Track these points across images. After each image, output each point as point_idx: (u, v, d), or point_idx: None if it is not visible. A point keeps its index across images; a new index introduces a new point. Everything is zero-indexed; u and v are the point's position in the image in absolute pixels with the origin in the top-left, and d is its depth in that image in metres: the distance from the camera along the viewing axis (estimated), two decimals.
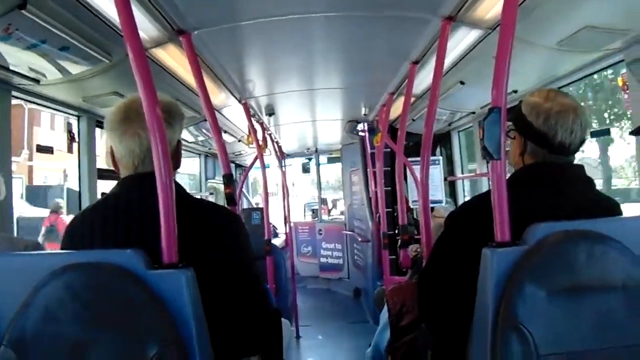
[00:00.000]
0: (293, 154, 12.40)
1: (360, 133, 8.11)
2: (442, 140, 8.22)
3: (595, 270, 1.80)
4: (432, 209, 5.73)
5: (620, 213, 2.22)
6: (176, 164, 2.23)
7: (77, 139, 4.80)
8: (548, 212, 1.96)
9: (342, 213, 13.22)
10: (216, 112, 5.56)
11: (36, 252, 2.28)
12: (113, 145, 2.14)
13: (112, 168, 2.23)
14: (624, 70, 3.88)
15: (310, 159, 12.83)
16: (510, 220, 1.90)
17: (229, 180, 3.50)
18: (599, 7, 3.03)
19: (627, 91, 3.86)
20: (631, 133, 2.80)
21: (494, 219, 1.90)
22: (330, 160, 12.90)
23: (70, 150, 4.78)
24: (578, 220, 1.89)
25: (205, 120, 4.30)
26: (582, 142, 2.20)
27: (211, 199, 9.78)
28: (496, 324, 1.77)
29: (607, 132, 4.48)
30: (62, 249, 2.09)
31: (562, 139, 2.14)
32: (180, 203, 1.89)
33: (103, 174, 4.91)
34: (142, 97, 1.85)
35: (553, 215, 1.92)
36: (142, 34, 3.04)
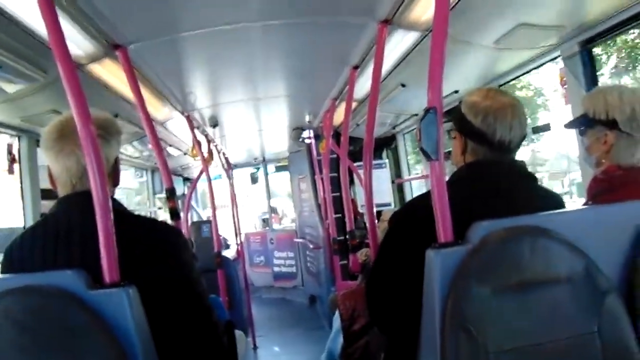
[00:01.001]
0: (241, 164, 12.34)
1: (307, 140, 8.11)
2: (389, 143, 8.28)
3: (539, 264, 1.81)
4: (381, 212, 5.78)
5: (563, 206, 2.25)
6: (115, 181, 2.20)
7: (17, 160, 4.70)
8: (490, 210, 1.96)
9: (293, 221, 13.20)
10: (159, 126, 5.53)
11: None
12: (50, 164, 2.11)
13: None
14: (562, 65, 3.96)
15: (258, 169, 12.79)
16: (453, 220, 1.90)
17: (171, 194, 3.47)
18: (532, 5, 3.09)
19: (565, 86, 3.95)
20: (565, 126, 2.86)
21: (435, 219, 1.91)
22: (279, 169, 12.86)
23: (11, 171, 4.68)
24: (520, 217, 1.90)
25: None
26: (522, 138, 2.23)
27: (160, 213, 9.69)
28: (444, 324, 1.77)
29: (547, 127, 4.55)
30: (1, 273, 2.04)
31: (501, 136, 2.16)
32: (119, 220, 1.86)
33: (47, 194, 4.81)
34: (74, 114, 1.82)
35: (495, 213, 1.92)
36: (77, 50, 3.03)
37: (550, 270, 1.82)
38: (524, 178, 2.23)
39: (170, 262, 2.07)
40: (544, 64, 4.36)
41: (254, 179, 13.01)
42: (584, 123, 2.62)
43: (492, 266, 1.79)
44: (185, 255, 2.18)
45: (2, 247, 2.12)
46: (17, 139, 4.70)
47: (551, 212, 2.04)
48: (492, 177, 2.17)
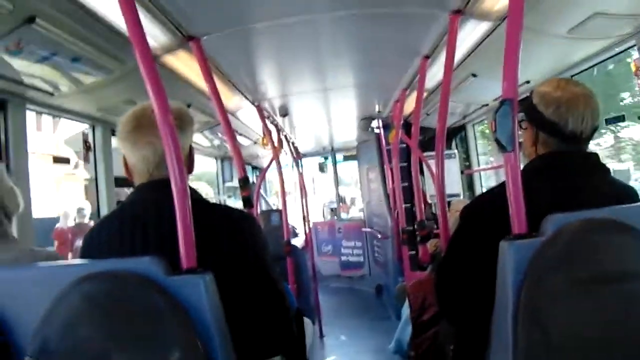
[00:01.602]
0: (309, 154, 12.40)
1: (376, 130, 8.08)
2: (458, 133, 8.20)
3: (614, 258, 1.78)
4: (450, 202, 5.73)
5: (638, 200, 2.20)
6: (190, 169, 2.24)
7: (92, 148, 4.84)
8: (563, 202, 1.94)
9: (360, 210, 13.20)
10: (230, 116, 5.58)
11: (56, 262, 2.29)
12: (126, 153, 2.16)
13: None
14: (636, 56, 3.85)
15: (326, 158, 12.83)
16: (528, 211, 1.88)
17: (244, 183, 3.51)
18: None
19: None
20: None
21: (509, 210, 1.89)
22: (347, 159, 12.88)
23: (86, 159, 4.81)
24: (595, 209, 1.86)
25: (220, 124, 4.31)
26: (594, 130, 2.19)
27: (229, 201, 9.81)
28: (516, 316, 1.76)
29: (622, 118, 4.43)
30: (80, 258, 2.11)
31: (573, 127, 2.13)
32: (196, 208, 1.90)
33: (121, 182, 4.93)
34: (154, 104, 1.86)
35: (569, 205, 1.89)
36: (151, 42, 3.07)
37: (625, 264, 1.79)
38: (597, 170, 2.19)
39: (246, 248, 2.11)
40: (618, 53, 4.24)
41: (322, 169, 13.07)
42: None
43: (566, 259, 1.76)
44: (260, 241, 2.22)
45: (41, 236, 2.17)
46: (92, 128, 4.84)
47: (626, 205, 1.99)
48: (564, 169, 2.14)
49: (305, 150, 11.56)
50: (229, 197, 9.79)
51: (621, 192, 2.16)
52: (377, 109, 6.95)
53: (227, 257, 2.03)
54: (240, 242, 2.10)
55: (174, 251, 1.83)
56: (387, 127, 7.68)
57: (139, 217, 2.05)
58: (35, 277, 1.90)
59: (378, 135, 8.46)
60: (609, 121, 4.71)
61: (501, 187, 1.99)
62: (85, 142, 4.77)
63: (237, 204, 9.22)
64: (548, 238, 1.80)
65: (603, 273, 1.76)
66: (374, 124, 7.85)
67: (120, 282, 1.77)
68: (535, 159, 2.24)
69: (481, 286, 2.03)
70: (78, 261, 2.09)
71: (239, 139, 7.49)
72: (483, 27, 3.58)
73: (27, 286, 1.86)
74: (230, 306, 1.91)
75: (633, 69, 3.93)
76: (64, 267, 2.07)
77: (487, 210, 2.19)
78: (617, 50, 4.13)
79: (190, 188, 1.97)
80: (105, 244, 2.07)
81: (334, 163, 12.66)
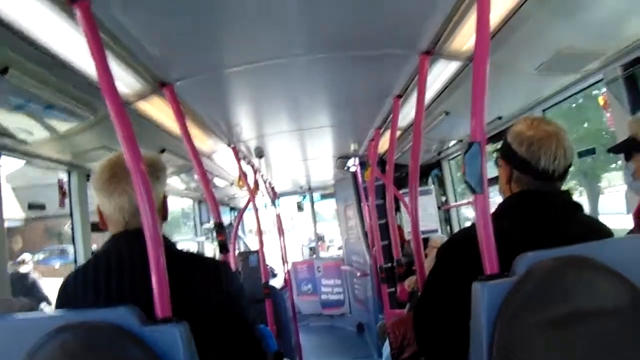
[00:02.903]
0: (287, 193, 12.42)
1: (352, 169, 8.13)
2: (434, 169, 8.26)
3: (585, 295, 1.80)
4: (427, 238, 5.75)
5: (610, 235, 2.22)
6: (164, 217, 2.25)
7: (68, 194, 4.81)
8: (536, 241, 1.96)
9: (339, 248, 13.20)
10: (206, 158, 5.61)
11: (32, 313, 2.27)
12: (101, 203, 2.16)
13: None
14: (604, 90, 3.92)
15: (304, 197, 12.85)
16: (500, 251, 1.91)
17: (220, 228, 3.52)
18: (572, 31, 3.08)
19: (609, 109, 3.91)
20: (609, 150, 2.83)
21: (480, 252, 1.91)
22: (324, 197, 12.93)
23: (62, 204, 4.79)
24: (566, 247, 1.89)
25: None
26: (567, 167, 2.22)
27: (207, 243, 9.78)
28: (491, 355, 1.77)
29: (592, 151, 4.50)
30: (56, 308, 2.10)
31: (545, 165, 2.16)
32: (170, 257, 1.90)
33: (97, 228, 4.89)
34: (125, 153, 1.87)
35: (542, 243, 1.92)
36: (124, 89, 3.11)
37: (597, 301, 1.80)
38: (570, 207, 2.22)
39: (219, 296, 2.11)
40: (587, 87, 4.31)
41: (300, 208, 13.08)
42: (630, 147, 2.59)
43: (538, 298, 1.78)
44: (234, 288, 2.22)
45: None
46: (67, 174, 4.82)
47: (597, 241, 2.01)
48: (538, 208, 2.17)
49: (283, 190, 11.58)
50: (207, 238, 9.75)
51: (593, 229, 2.19)
52: (352, 148, 6.99)
53: (201, 306, 2.03)
54: (214, 290, 2.11)
55: (149, 301, 1.83)
56: (363, 165, 7.71)
57: (114, 267, 2.05)
58: (11, 328, 1.89)
59: (354, 173, 8.51)
60: (581, 154, 4.77)
61: (474, 226, 2.01)
62: (61, 187, 4.75)
63: (214, 245, 9.20)
64: (519, 277, 1.82)
65: (575, 311, 1.77)
66: (350, 162, 7.90)
67: (96, 333, 1.77)
68: (508, 198, 2.28)
69: (457, 325, 2.04)
70: (53, 312, 2.08)
71: (216, 180, 7.50)
72: (453, 66, 3.63)
73: (2, 337, 1.84)
74: (207, 355, 1.91)
75: (601, 102, 4.00)
76: (39, 318, 2.06)
77: (461, 250, 2.21)
78: (586, 84, 4.20)
79: (164, 237, 1.97)
80: (81, 293, 2.07)
81: (312, 202, 12.67)
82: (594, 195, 11.18)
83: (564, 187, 2.27)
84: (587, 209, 2.56)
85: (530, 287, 1.80)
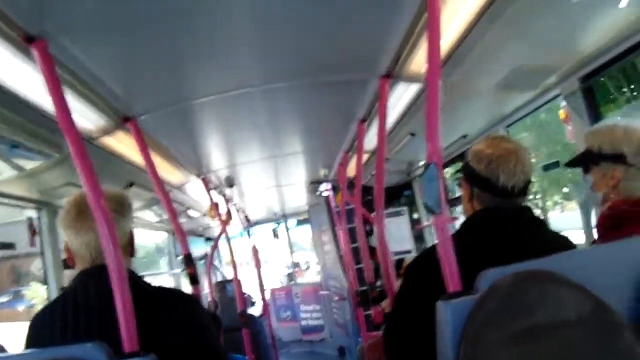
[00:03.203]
0: (261, 221, 12.39)
1: (324, 193, 8.15)
2: (406, 189, 8.31)
3: (548, 308, 1.81)
4: (402, 260, 5.78)
5: (573, 248, 2.26)
6: (131, 252, 2.26)
7: (38, 232, 4.79)
8: (499, 257, 1.98)
9: (317, 273, 13.18)
10: (176, 190, 5.60)
11: (1, 354, 2.27)
12: (69, 240, 2.17)
13: None
14: (564, 103, 3.99)
15: (279, 224, 12.83)
16: (465, 269, 1.93)
17: (188, 260, 3.51)
18: (526, 48, 3.16)
19: (570, 123, 3.97)
20: (566, 165, 2.86)
21: (442, 270, 1.93)
22: (300, 223, 12.90)
23: (32, 244, 4.76)
24: (527, 261, 1.91)
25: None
26: (527, 183, 2.25)
27: (183, 275, 9.72)
28: None
29: (556, 164, 4.57)
30: (26, 346, 2.10)
31: (504, 182, 2.19)
32: (136, 291, 1.91)
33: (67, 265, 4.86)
34: (86, 190, 1.88)
35: (504, 259, 1.93)
36: (88, 125, 3.12)
37: (560, 313, 1.81)
38: (531, 223, 2.25)
39: (187, 328, 2.11)
40: (547, 102, 4.39)
41: (276, 235, 13.06)
42: (588, 160, 2.63)
43: (501, 313, 1.79)
44: (202, 320, 2.23)
45: None
46: (36, 211, 4.80)
47: (558, 254, 2.04)
48: (499, 224, 2.20)
49: (257, 218, 11.55)
50: (183, 270, 9.68)
51: (556, 242, 2.22)
52: (323, 173, 7.02)
53: (169, 339, 2.04)
54: (182, 324, 2.11)
55: (116, 336, 1.84)
56: (335, 189, 7.74)
57: (82, 304, 2.05)
58: None
59: (327, 198, 8.52)
60: (545, 167, 4.84)
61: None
62: (31, 226, 4.73)
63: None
64: (482, 294, 1.84)
65: (538, 324, 1.78)
66: (322, 187, 7.92)
67: None
68: (470, 216, 2.31)
69: (425, 343, 2.05)
70: (21, 352, 2.07)
71: (189, 211, 7.48)
72: (413, 88, 3.68)
73: None
74: None
75: (562, 116, 4.07)
76: (8, 358, 2.05)
77: (426, 267, 2.22)
78: (546, 98, 4.28)
79: (130, 271, 1.98)
80: (49, 331, 2.07)
81: (287, 228, 12.65)
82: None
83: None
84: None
85: (493, 304, 1.81)
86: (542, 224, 2.29)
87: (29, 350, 2.03)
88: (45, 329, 2.09)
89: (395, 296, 2.44)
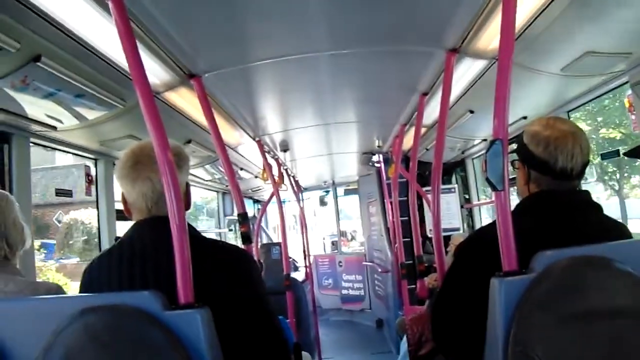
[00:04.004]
0: (310, 188, 12.44)
1: (376, 164, 8.11)
2: (458, 167, 8.25)
3: (603, 295, 1.80)
4: (450, 237, 5.75)
5: (629, 236, 2.22)
6: (187, 205, 2.28)
7: (95, 182, 4.90)
8: (554, 240, 1.97)
9: (361, 244, 13.20)
10: (231, 150, 5.65)
11: (56, 295, 2.33)
12: (125, 190, 2.20)
13: None
14: (629, 92, 3.90)
15: (327, 192, 12.86)
16: (518, 249, 1.92)
17: (243, 219, 3.54)
18: (599, 33, 3.08)
19: (634, 112, 3.89)
20: (625, 154, 2.79)
21: (500, 248, 1.93)
22: (348, 192, 12.91)
23: (88, 192, 4.87)
24: (584, 246, 1.90)
25: None
26: (585, 166, 2.22)
27: (230, 235, 9.83)
28: (507, 352, 1.79)
29: (617, 153, 4.47)
30: (80, 292, 2.14)
31: (563, 164, 2.17)
32: (193, 244, 1.94)
33: (122, 215, 4.96)
34: (153, 141, 1.91)
35: (559, 243, 1.93)
36: (154, 79, 3.16)
37: (614, 301, 1.80)
38: (588, 207, 2.22)
39: (241, 283, 2.13)
40: (612, 89, 4.31)
41: (323, 202, 13.08)
42: None
43: (555, 295, 1.79)
44: (255, 276, 2.25)
45: None
46: (94, 162, 4.90)
47: (616, 242, 2.02)
48: (556, 207, 2.18)
49: (307, 184, 11.59)
50: (230, 230, 9.80)
51: (611, 229, 2.20)
52: (377, 144, 6.99)
53: (223, 293, 2.06)
54: (236, 278, 2.13)
55: (171, 287, 1.87)
56: (387, 161, 7.70)
57: (138, 254, 2.08)
58: (37, 310, 1.93)
59: (378, 169, 8.50)
60: (604, 156, 4.75)
61: (493, 225, 2.03)
62: (88, 175, 4.83)
63: (238, 236, 9.24)
64: (537, 275, 1.83)
65: (592, 310, 1.78)
66: (375, 158, 7.89)
67: (119, 315, 1.80)
68: (527, 197, 2.28)
69: (474, 322, 2.05)
70: (77, 295, 2.12)
71: (241, 172, 7.54)
72: (478, 65, 3.64)
73: (28, 318, 1.89)
74: (227, 340, 1.94)
75: (627, 105, 3.98)
76: (64, 300, 2.11)
77: (479, 247, 2.22)
78: (611, 86, 4.19)
79: (188, 225, 2.01)
80: (105, 278, 2.10)
81: (335, 197, 12.67)
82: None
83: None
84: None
85: (548, 285, 1.81)
86: (599, 208, 2.26)
87: (83, 295, 2.08)
88: (101, 276, 2.12)
89: (446, 272, 2.44)
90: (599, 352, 1.76)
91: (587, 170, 2.28)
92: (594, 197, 2.29)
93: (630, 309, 1.81)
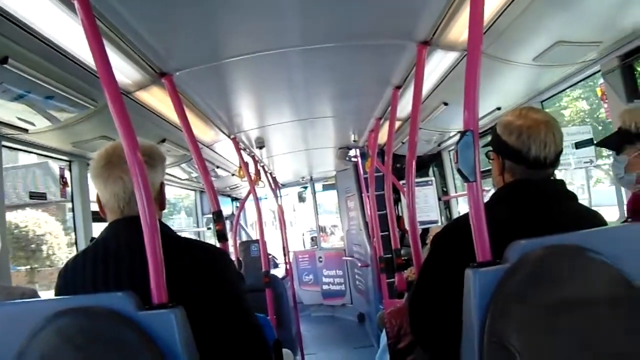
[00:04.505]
0: (288, 184, 12.44)
1: (353, 159, 8.11)
2: (435, 160, 8.27)
3: (577, 283, 1.81)
4: (428, 229, 5.77)
5: (604, 224, 2.24)
6: (161, 205, 2.27)
7: (69, 184, 4.86)
8: (529, 229, 1.98)
9: (341, 239, 13.23)
10: (207, 149, 5.63)
11: (31, 299, 2.31)
12: (98, 190, 2.19)
13: None
14: (602, 81, 3.93)
15: (305, 188, 12.85)
16: (494, 240, 1.93)
17: (218, 217, 3.53)
18: (569, 22, 3.10)
19: (606, 100, 3.92)
20: (597, 144, 2.82)
21: (473, 239, 1.93)
22: (326, 188, 12.91)
23: (63, 195, 4.83)
24: (558, 235, 1.90)
25: None
26: (558, 154, 2.23)
27: (209, 234, 9.80)
28: (482, 342, 1.79)
29: (590, 142, 4.50)
30: (56, 294, 2.13)
31: (536, 153, 2.18)
32: (167, 244, 1.93)
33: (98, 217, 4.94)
34: (122, 141, 1.90)
35: (534, 232, 1.93)
36: (124, 79, 3.13)
37: (589, 290, 1.82)
38: (563, 196, 2.24)
39: (217, 282, 2.12)
40: (585, 79, 4.35)
41: (302, 198, 13.08)
42: (622, 139, 2.59)
43: (529, 285, 1.80)
44: (231, 274, 2.24)
45: None
46: (68, 164, 4.86)
47: (590, 230, 2.02)
48: (531, 196, 2.19)
49: (284, 180, 11.59)
50: (209, 228, 9.77)
51: (586, 217, 2.21)
52: (353, 138, 6.99)
53: (199, 292, 2.05)
54: (212, 277, 2.12)
55: (146, 287, 1.86)
56: (364, 155, 7.70)
57: (112, 254, 2.07)
58: (11, 314, 1.92)
59: (355, 164, 8.50)
60: (578, 145, 4.78)
61: (467, 215, 2.03)
62: (62, 177, 4.79)
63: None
64: (512, 265, 1.84)
65: (567, 299, 1.79)
66: (351, 152, 7.89)
67: (93, 317, 1.79)
68: (502, 187, 2.29)
69: (451, 313, 2.06)
70: (52, 298, 2.11)
71: (218, 170, 7.52)
72: (450, 57, 3.65)
73: (3, 323, 1.88)
74: (205, 340, 1.94)
75: (599, 93, 4.01)
76: (38, 304, 2.10)
77: (454, 237, 2.23)
78: (584, 75, 4.23)
79: (161, 223, 2.00)
80: (80, 279, 2.08)
81: (313, 192, 12.67)
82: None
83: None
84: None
85: (523, 275, 1.81)
86: (574, 197, 2.27)
87: (57, 298, 2.06)
88: (76, 277, 2.11)
89: (422, 264, 2.45)
90: (574, 341, 1.76)
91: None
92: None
93: (605, 297, 1.82)
